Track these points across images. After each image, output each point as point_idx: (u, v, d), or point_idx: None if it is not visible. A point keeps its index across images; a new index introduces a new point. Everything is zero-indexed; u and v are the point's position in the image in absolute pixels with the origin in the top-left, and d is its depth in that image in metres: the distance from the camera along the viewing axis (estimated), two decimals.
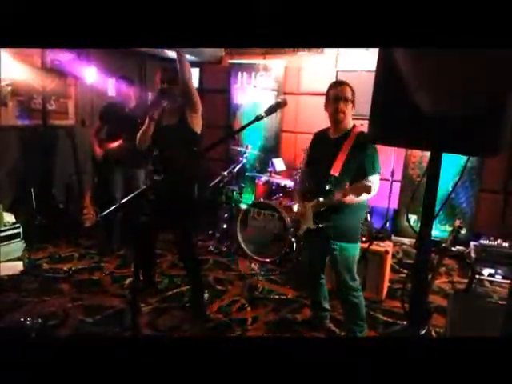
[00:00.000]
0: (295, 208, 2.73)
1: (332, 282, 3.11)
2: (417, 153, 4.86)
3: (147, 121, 2.80)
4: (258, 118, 1.90)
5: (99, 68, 4.68)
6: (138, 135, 2.84)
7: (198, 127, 2.85)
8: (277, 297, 3.42)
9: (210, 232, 4.80)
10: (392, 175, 4.55)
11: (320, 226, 2.53)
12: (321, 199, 2.50)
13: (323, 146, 2.61)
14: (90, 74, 4.64)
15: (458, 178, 4.37)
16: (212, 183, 4.70)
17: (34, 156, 4.37)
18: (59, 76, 4.49)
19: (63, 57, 4.53)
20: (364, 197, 2.30)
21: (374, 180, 2.38)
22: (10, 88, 3.27)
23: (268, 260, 4.12)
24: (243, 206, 4.45)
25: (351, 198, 2.32)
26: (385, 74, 1.28)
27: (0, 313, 2.85)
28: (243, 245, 4.27)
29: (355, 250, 2.58)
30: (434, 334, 2.83)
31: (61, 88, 4.57)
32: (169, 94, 2.80)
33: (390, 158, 4.55)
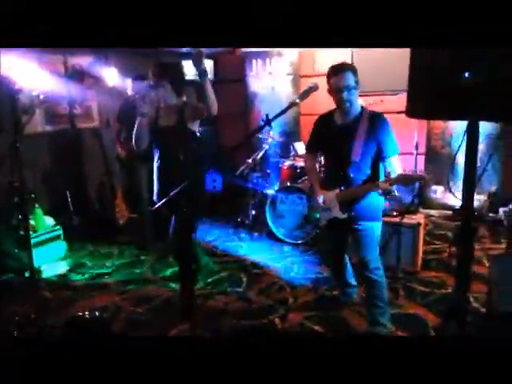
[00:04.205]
0: (319, 198, 2.56)
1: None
2: (439, 124, 4.84)
3: (138, 119, 2.76)
4: (293, 104, 1.97)
5: (118, 69, 4.77)
6: (133, 136, 2.82)
7: (196, 127, 2.78)
8: (313, 276, 3.52)
9: (239, 219, 4.91)
10: (416, 148, 4.55)
11: (350, 214, 2.45)
12: (343, 188, 2.44)
13: (331, 131, 2.49)
14: (110, 76, 4.74)
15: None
16: (238, 171, 4.80)
17: (66, 159, 4.53)
18: (81, 80, 4.60)
19: (83, 61, 4.65)
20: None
21: (396, 161, 2.37)
22: (41, 96, 3.40)
23: (300, 242, 4.22)
24: (270, 192, 4.53)
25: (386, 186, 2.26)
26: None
27: (56, 310, 3.04)
28: (274, 229, 4.37)
29: (379, 228, 2.54)
30: (471, 300, 2.88)
31: (84, 92, 4.70)
32: (159, 90, 2.70)
33: (413, 132, 4.54)
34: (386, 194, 2.31)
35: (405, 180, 2.22)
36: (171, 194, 2.00)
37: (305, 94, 2.02)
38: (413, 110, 1.37)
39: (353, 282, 2.99)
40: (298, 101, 1.97)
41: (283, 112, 1.95)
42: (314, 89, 2.05)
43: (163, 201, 1.89)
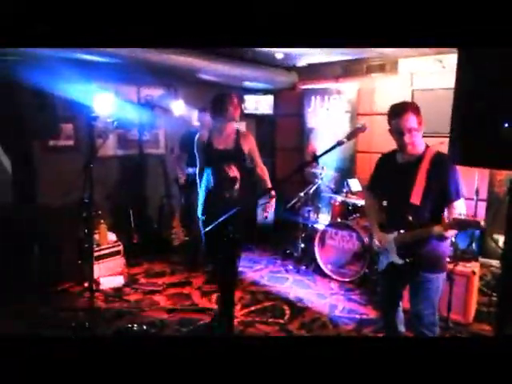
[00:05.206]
0: (377, 240, 2.45)
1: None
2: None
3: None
4: (339, 143, 2.03)
5: (185, 100, 5.14)
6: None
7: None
8: (357, 316, 3.46)
9: (287, 251, 4.96)
10: (477, 194, 4.37)
11: (407, 260, 2.29)
12: (402, 231, 2.29)
13: (392, 171, 2.39)
14: (177, 106, 5.12)
15: None
16: (289, 204, 4.89)
17: (132, 181, 4.91)
18: (152, 109, 5.01)
19: (154, 92, 5.08)
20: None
21: (459, 205, 2.21)
22: (115, 123, 3.77)
23: (347, 280, 4.17)
24: (320, 226, 4.55)
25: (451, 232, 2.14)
26: (464, 92, 1.30)
27: (108, 319, 3.24)
28: (322, 264, 4.36)
29: (441, 280, 2.34)
30: None
31: (153, 120, 5.10)
32: (230, 117, 2.95)
33: (473, 177, 4.39)
34: (442, 239, 2.18)
35: (459, 225, 2.06)
36: (223, 217, 2.11)
37: (352, 134, 2.08)
38: (453, 157, 1.38)
39: (402, 329, 2.83)
40: (344, 140, 2.03)
41: (329, 150, 2.01)
42: (361, 129, 2.10)
43: (214, 224, 2.01)
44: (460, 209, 2.20)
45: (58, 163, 4.17)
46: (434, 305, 2.35)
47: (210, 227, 2.02)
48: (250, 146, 3.05)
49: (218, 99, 2.94)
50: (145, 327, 2.83)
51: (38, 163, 4.08)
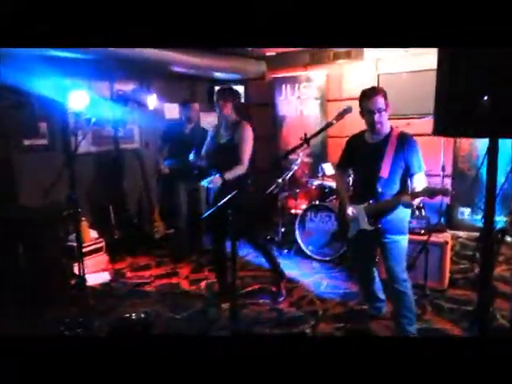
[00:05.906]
0: (348, 210, 2.76)
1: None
2: (465, 146, 4.95)
3: (209, 138, 3.39)
4: (329, 125, 2.19)
5: (157, 94, 5.14)
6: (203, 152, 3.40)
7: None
8: (341, 291, 3.65)
9: (268, 237, 5.10)
10: (443, 170, 4.67)
11: (377, 226, 2.61)
12: (372, 201, 2.60)
13: (362, 149, 2.69)
14: (151, 100, 5.11)
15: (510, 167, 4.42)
16: (268, 190, 5.02)
17: (109, 177, 4.89)
18: (125, 104, 4.98)
19: (127, 87, 5.05)
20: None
21: (421, 177, 2.53)
22: (93, 119, 3.74)
23: (328, 259, 4.36)
24: (299, 211, 4.71)
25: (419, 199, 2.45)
26: (446, 71, 1.35)
27: (100, 314, 3.27)
28: (303, 246, 4.53)
29: (405, 241, 2.67)
30: (498, 316, 2.95)
31: (127, 115, 5.08)
32: (222, 112, 3.19)
33: (439, 154, 4.67)
34: (409, 206, 2.49)
35: (429, 192, 2.38)
36: (221, 202, 2.23)
37: (340, 116, 2.24)
38: (437, 129, 1.52)
39: (381, 296, 3.09)
40: (334, 122, 2.19)
41: (320, 131, 2.17)
42: (348, 111, 2.27)
43: (213, 209, 2.11)
44: (422, 180, 2.52)
45: (32, 163, 4.10)
46: (402, 263, 2.67)
47: (209, 211, 2.13)
48: (241, 138, 3.18)
49: (214, 95, 3.25)
50: (143, 315, 2.88)
51: (13, 163, 4.00)
